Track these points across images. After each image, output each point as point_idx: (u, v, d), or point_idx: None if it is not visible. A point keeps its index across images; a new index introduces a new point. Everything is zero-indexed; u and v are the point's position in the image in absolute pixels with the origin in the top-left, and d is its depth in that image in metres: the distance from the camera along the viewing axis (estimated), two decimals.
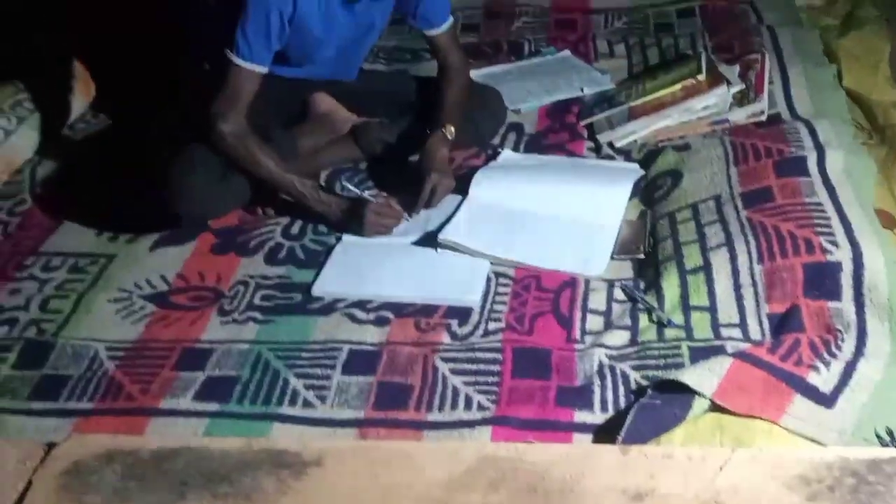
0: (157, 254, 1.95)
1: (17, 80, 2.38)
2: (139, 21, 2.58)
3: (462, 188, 2.03)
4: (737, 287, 1.65)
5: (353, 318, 1.73)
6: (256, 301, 1.80)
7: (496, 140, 2.28)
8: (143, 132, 2.27)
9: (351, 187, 1.98)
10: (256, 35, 1.87)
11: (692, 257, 1.74)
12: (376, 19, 2.11)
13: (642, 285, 1.75)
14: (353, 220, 1.94)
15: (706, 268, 1.70)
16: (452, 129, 2.08)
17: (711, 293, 1.65)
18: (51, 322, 1.77)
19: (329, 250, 1.93)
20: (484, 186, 2.02)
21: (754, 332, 1.57)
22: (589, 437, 1.43)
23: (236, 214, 2.05)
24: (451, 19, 2.17)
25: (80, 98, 2.49)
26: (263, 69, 1.92)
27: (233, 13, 1.88)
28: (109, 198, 2.11)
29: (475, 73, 2.45)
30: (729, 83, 2.20)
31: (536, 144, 2.27)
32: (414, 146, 2.11)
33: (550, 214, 1.93)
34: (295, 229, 2.01)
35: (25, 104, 2.32)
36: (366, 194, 1.96)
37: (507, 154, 2.21)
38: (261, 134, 1.98)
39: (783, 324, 1.56)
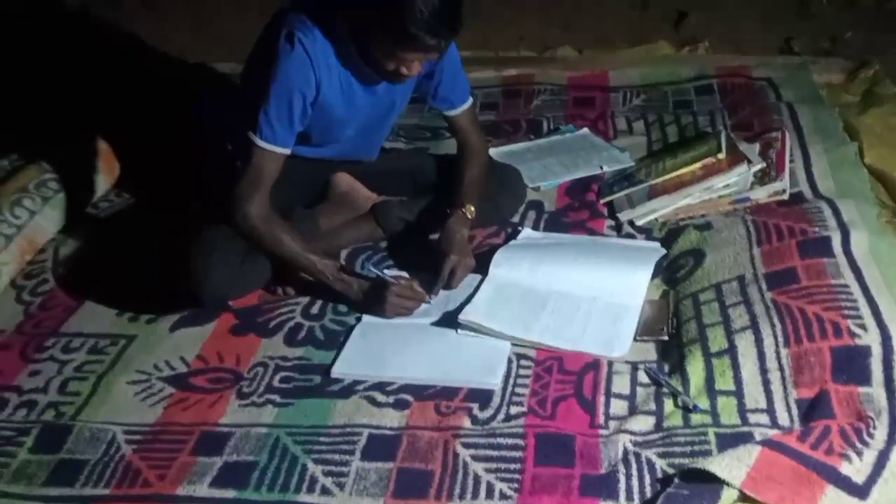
0: (177, 335, 1.95)
1: (42, 161, 2.41)
2: (164, 100, 2.64)
3: (482, 267, 2.02)
4: (763, 371, 1.62)
5: (373, 401, 1.71)
6: (275, 383, 1.79)
7: (516, 218, 2.29)
8: (166, 212, 2.30)
9: (371, 268, 1.98)
10: (279, 118, 1.90)
11: (717, 340, 1.71)
12: (397, 100, 2.14)
13: (666, 368, 1.72)
14: (374, 301, 1.93)
15: (731, 351, 1.67)
16: (472, 208, 2.09)
17: (737, 377, 1.62)
18: (69, 405, 1.76)
19: (349, 331, 1.92)
20: (504, 266, 2.01)
21: (782, 419, 1.53)
22: None
23: (256, 294, 2.05)
24: (470, 100, 2.19)
25: (105, 177, 2.51)
26: (286, 151, 1.94)
27: (256, 95, 1.91)
28: (131, 277, 2.12)
29: (494, 151, 2.47)
30: (749, 162, 2.20)
31: (556, 222, 2.27)
32: (434, 225, 2.12)
33: (572, 294, 1.92)
34: (315, 309, 2.01)
35: (50, 184, 2.34)
36: (386, 275, 1.96)
37: (526, 232, 2.21)
38: (282, 213, 2.00)
39: (812, 410, 1.52)
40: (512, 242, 2.16)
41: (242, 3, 3.76)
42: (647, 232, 2.17)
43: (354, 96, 2.00)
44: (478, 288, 1.97)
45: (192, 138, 2.40)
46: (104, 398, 1.77)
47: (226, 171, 2.05)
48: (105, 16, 3.65)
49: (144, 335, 1.95)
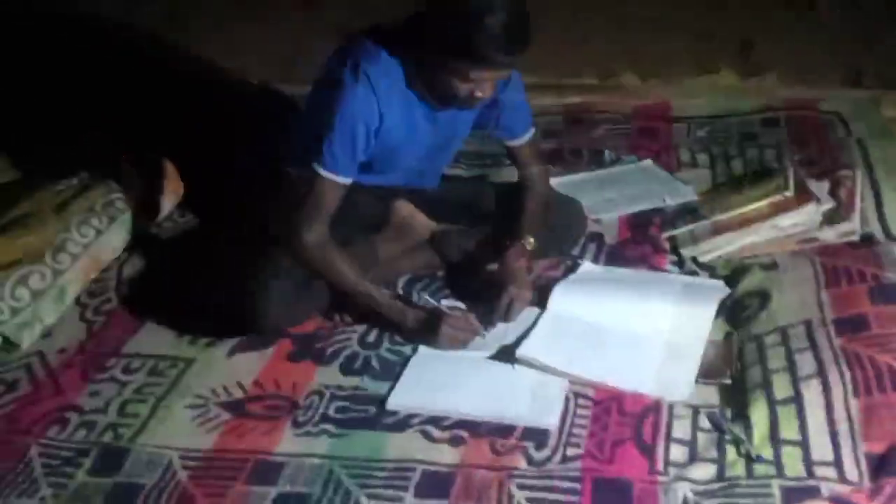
0: (235, 359, 1.96)
1: (110, 180, 2.45)
2: (233, 125, 2.67)
3: (541, 300, 2.00)
4: (831, 422, 1.57)
5: (428, 436, 1.70)
6: (331, 413, 1.79)
7: (576, 250, 2.26)
8: (228, 235, 2.33)
9: (428, 298, 1.97)
10: (342, 148, 1.90)
11: (782, 387, 1.66)
12: (459, 129, 2.13)
13: (729, 414, 1.68)
14: (429, 331, 1.92)
15: (797, 399, 1.62)
16: (531, 240, 2.07)
17: (803, 427, 1.58)
18: (128, 427, 1.78)
19: (405, 361, 1.91)
20: (563, 300, 1.99)
21: (851, 473, 1.48)
22: None
23: (314, 321, 2.06)
24: (532, 130, 2.18)
25: (170, 197, 2.55)
26: (348, 181, 1.95)
27: (320, 124, 1.92)
28: (191, 299, 2.14)
29: (555, 181, 2.44)
30: (818, 200, 2.14)
31: (617, 256, 2.24)
32: (493, 255, 2.10)
33: (632, 332, 1.88)
34: (371, 338, 2.01)
35: (117, 203, 2.38)
36: (442, 306, 1.95)
37: (587, 266, 2.18)
38: (341, 240, 2.01)
39: (882, 465, 1.47)
40: (572, 276, 2.13)
41: (309, 27, 3.82)
42: (710, 269, 2.13)
43: (417, 126, 2.00)
44: (536, 322, 1.95)
45: (255, 162, 2.42)
46: (162, 421, 1.79)
47: (287, 197, 2.07)
48: (175, 37, 3.73)
49: (203, 358, 1.97)
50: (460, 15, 1.70)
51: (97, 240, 2.28)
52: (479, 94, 1.84)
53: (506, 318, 1.96)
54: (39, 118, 2.98)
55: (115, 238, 2.35)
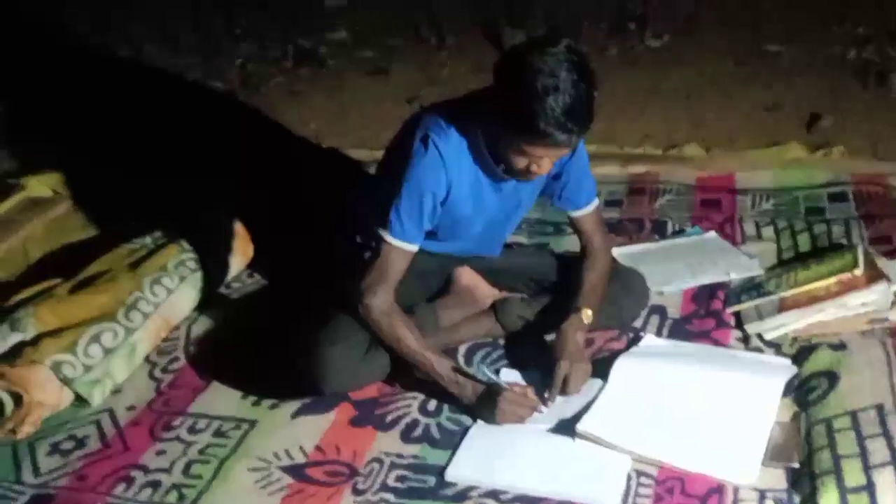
0: (298, 422, 1.98)
1: (182, 240, 2.52)
2: (303, 189, 2.75)
3: (602, 373, 1.99)
4: None
5: None
6: (390, 481, 1.79)
7: (638, 323, 2.25)
8: (295, 297, 2.37)
9: (487, 372, 1.97)
10: (410, 216, 1.94)
11: (853, 474, 1.62)
12: (523, 199, 2.16)
13: (797, 499, 1.64)
14: (486, 406, 1.92)
15: (869, 488, 1.58)
16: (590, 313, 2.07)
17: None
18: (191, 488, 1.81)
19: (465, 431, 1.91)
20: (626, 374, 1.98)
21: None
22: None
23: (376, 386, 2.07)
24: (595, 201, 2.19)
25: (239, 258, 2.61)
26: (414, 248, 1.98)
27: (389, 192, 1.96)
28: (256, 360, 2.18)
29: (617, 252, 2.45)
30: (889, 280, 2.10)
31: (680, 330, 2.22)
32: (554, 325, 2.10)
33: (696, 410, 1.86)
34: (431, 406, 2.02)
35: (188, 263, 2.45)
36: (500, 380, 1.95)
37: (649, 339, 2.17)
38: (405, 306, 2.03)
39: None
40: (634, 349, 2.12)
41: (378, 96, 3.92)
42: (776, 347, 2.10)
43: (483, 195, 2.04)
44: (597, 395, 1.94)
45: (323, 227, 2.48)
46: (225, 484, 1.81)
47: (354, 261, 2.11)
48: (251, 101, 3.87)
49: (266, 420, 2.00)
50: (524, 92, 1.74)
51: (168, 299, 2.34)
52: (535, 168, 1.87)
53: (563, 391, 1.96)
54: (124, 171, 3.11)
55: (186, 298, 2.40)
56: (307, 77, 4.23)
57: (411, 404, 2.03)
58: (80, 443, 1.96)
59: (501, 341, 2.23)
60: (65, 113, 3.70)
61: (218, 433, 1.97)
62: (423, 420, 1.97)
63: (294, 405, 2.03)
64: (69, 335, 2.11)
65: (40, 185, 3.08)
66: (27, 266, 2.70)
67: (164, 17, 4.97)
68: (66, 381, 2.04)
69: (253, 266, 2.64)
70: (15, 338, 2.09)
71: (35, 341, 2.08)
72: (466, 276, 2.28)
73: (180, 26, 4.83)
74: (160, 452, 1.92)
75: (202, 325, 2.39)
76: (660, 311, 2.30)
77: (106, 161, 3.23)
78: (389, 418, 1.98)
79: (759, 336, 2.14)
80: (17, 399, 1.97)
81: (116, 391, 2.13)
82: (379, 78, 4.18)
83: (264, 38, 4.70)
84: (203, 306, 2.45)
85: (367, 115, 3.75)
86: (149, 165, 3.17)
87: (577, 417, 1.87)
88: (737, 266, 2.45)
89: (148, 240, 2.55)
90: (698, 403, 1.87)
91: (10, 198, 2.99)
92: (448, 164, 1.93)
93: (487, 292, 2.28)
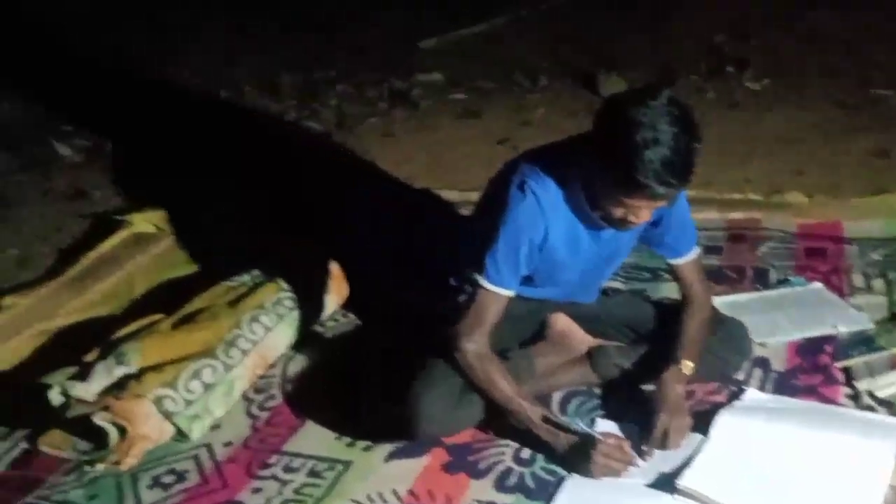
0: (392, 465, 1.98)
1: (279, 278, 2.57)
2: (397, 230, 2.77)
3: (702, 426, 1.93)
4: None
5: None
6: None
7: (740, 375, 2.18)
8: (388, 338, 2.38)
9: (581, 424, 1.93)
10: (506, 261, 1.93)
11: None
12: (621, 246, 2.13)
13: None
14: (580, 458, 1.88)
15: None
16: (690, 364, 2.01)
17: None
18: None
19: (560, 482, 1.88)
20: (728, 429, 1.91)
21: None
22: None
23: (470, 431, 2.05)
24: (696, 249, 2.15)
25: (334, 297, 2.64)
26: (510, 294, 1.97)
27: (485, 238, 1.96)
28: (351, 401, 2.19)
29: (717, 301, 2.38)
30: None
31: (785, 385, 2.14)
32: (651, 375, 2.06)
33: (802, 470, 1.78)
34: (526, 454, 1.98)
35: (286, 302, 2.49)
36: (596, 429, 1.91)
37: (752, 394, 2.10)
38: (499, 351, 2.02)
39: None
40: (736, 403, 2.05)
41: (470, 137, 3.95)
42: (889, 406, 2.00)
43: (580, 242, 2.02)
44: (698, 450, 1.88)
45: (419, 269, 2.49)
46: None
47: (448, 306, 2.11)
48: (345, 142, 3.95)
49: (361, 462, 2.00)
50: (624, 144, 1.72)
51: (265, 337, 2.38)
52: (633, 218, 1.84)
53: (663, 445, 1.90)
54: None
55: (282, 336, 2.44)
56: (400, 118, 4.29)
57: (505, 452, 2.00)
58: (180, 477, 2.00)
59: (597, 390, 2.19)
60: (170, 152, 3.84)
61: (313, 473, 1.97)
62: (518, 469, 1.94)
63: (387, 448, 2.02)
64: (171, 370, 2.16)
65: (145, 222, 3.18)
66: (131, 301, 2.78)
67: (264, 62, 5.13)
68: (168, 416, 2.08)
69: (347, 306, 2.67)
70: (120, 371, 2.15)
71: (139, 375, 2.13)
72: (561, 323, 2.25)
73: (279, 70, 4.98)
74: (256, 490, 1.94)
75: (298, 363, 2.42)
76: (763, 363, 2.22)
77: (206, 200, 3.33)
78: (483, 465, 1.96)
79: (871, 394, 2.04)
80: (122, 431, 2.02)
81: (215, 427, 2.16)
82: (470, 120, 4.22)
83: (360, 80, 4.80)
84: (299, 345, 2.48)
85: (458, 157, 3.77)
86: (244, 205, 3.26)
87: (677, 472, 1.82)
88: (845, 319, 2.35)
89: (247, 278, 2.60)
90: (805, 464, 1.79)
91: (116, 234, 3.11)
92: (545, 210, 1.93)
93: (583, 339, 2.25)
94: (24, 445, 2.11)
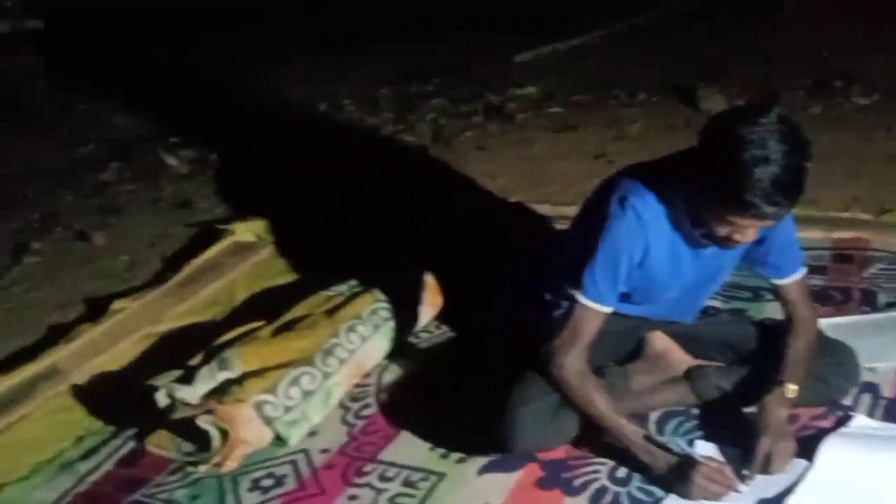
0: (485, 479, 1.98)
1: (376, 289, 2.61)
2: (490, 242, 2.78)
3: (806, 452, 1.87)
4: None
5: None
6: None
7: (847, 401, 2.10)
8: (482, 350, 2.39)
9: (680, 443, 1.89)
10: (605, 277, 1.92)
11: None
12: (724, 265, 2.09)
13: None
14: (679, 479, 1.84)
15: None
16: (795, 387, 1.95)
17: None
18: None
19: (656, 502, 1.85)
20: (834, 456, 1.85)
21: None
22: None
23: (565, 447, 2.03)
24: (802, 269, 2.09)
25: (428, 308, 2.67)
26: (608, 310, 1.95)
27: (584, 253, 1.94)
28: (445, 412, 2.20)
29: (823, 323, 2.29)
30: None
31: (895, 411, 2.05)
32: (752, 398, 2.00)
33: None
34: (621, 473, 1.95)
35: (381, 312, 2.52)
36: (695, 451, 1.86)
37: (860, 420, 2.02)
38: (595, 369, 2.00)
39: None
40: (843, 429, 1.98)
41: (567, 151, 3.94)
42: None
43: (681, 260, 1.98)
44: (802, 477, 1.82)
45: (514, 282, 2.49)
46: None
47: (544, 320, 2.10)
48: (441, 155, 3.98)
49: (454, 474, 2.00)
50: (732, 162, 1.69)
51: (362, 346, 2.41)
52: (738, 237, 1.80)
53: (765, 470, 1.85)
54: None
55: (378, 345, 2.47)
56: (496, 132, 4.31)
57: (600, 470, 1.98)
58: (279, 481, 2.04)
59: (695, 411, 2.14)
60: (271, 164, 3.95)
61: (407, 483, 1.99)
62: (613, 488, 1.92)
63: (481, 461, 2.02)
64: (271, 376, 2.21)
65: (246, 231, 3.28)
66: (232, 307, 2.87)
67: (363, 76, 5.23)
68: (268, 421, 2.13)
69: (441, 317, 2.68)
70: (222, 375, 2.21)
71: (240, 380, 2.19)
72: (660, 341, 2.22)
73: (377, 84, 5.07)
74: (352, 497, 1.96)
75: (392, 373, 2.45)
76: (872, 389, 2.14)
77: (305, 211, 3.41)
78: (577, 483, 1.94)
79: None
80: (224, 434, 2.08)
81: (312, 433, 2.20)
82: (566, 134, 4.20)
83: (456, 94, 4.84)
84: (393, 355, 2.50)
85: (554, 171, 3.76)
86: (341, 216, 3.32)
87: (779, 499, 1.77)
88: None
89: (344, 287, 2.64)
90: None
91: (218, 243, 3.21)
92: (646, 226, 1.90)
93: (681, 359, 2.20)
94: (131, 445, 2.20)
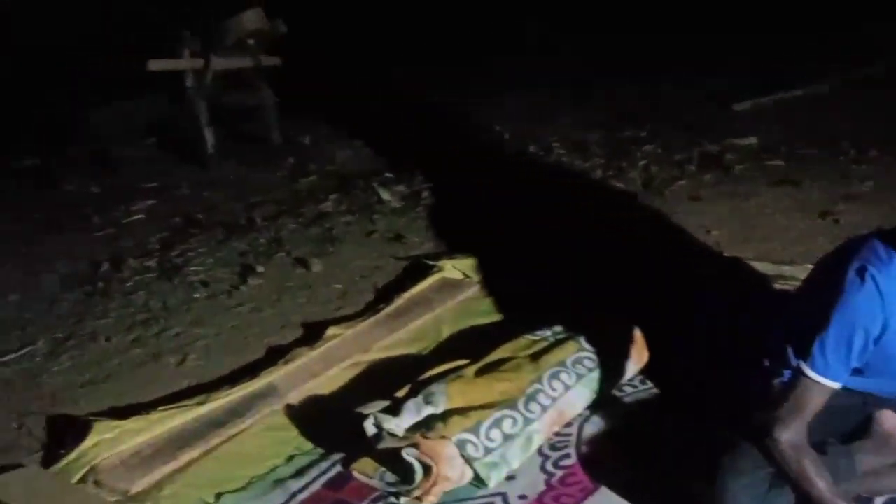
0: None
1: (580, 337, 2.58)
2: (706, 300, 2.68)
3: None
4: None
5: None
6: None
7: None
8: (689, 412, 2.30)
9: None
10: (836, 352, 1.80)
11: None
12: None
13: None
14: None
15: None
16: None
17: None
18: None
19: None
20: None
21: None
22: None
23: None
24: None
25: (634, 362, 2.60)
26: (836, 386, 1.83)
27: (814, 322, 1.83)
28: (647, 471, 2.14)
29: None
30: None
31: None
32: None
33: None
34: None
35: (586, 362, 2.49)
36: None
37: None
38: (815, 444, 1.87)
39: None
40: None
41: (785, 208, 3.75)
42: None
43: None
44: None
45: (726, 342, 2.39)
46: None
47: (761, 388, 2.00)
48: (652, 203, 3.91)
49: None
50: None
51: (565, 395, 2.39)
52: None
53: None
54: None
55: (580, 395, 2.43)
56: (711, 183, 4.16)
57: None
58: None
59: None
60: (479, 203, 4.02)
61: None
62: None
63: None
64: (474, 416, 2.24)
65: (454, 269, 3.35)
66: (438, 343, 2.93)
67: (575, 119, 5.25)
68: (469, 460, 2.16)
69: (647, 372, 2.62)
70: (427, 410, 2.26)
71: (445, 417, 2.23)
72: (891, 421, 2.05)
73: (587, 128, 5.05)
74: None
75: (594, 425, 2.41)
76: None
77: (511, 252, 3.44)
78: None
79: None
80: (426, 469, 2.12)
81: (510, 477, 2.20)
82: (788, 188, 3.99)
83: (669, 140, 4.74)
84: (595, 406, 2.46)
85: (773, 227, 3.59)
86: (548, 258, 3.32)
87: None
88: None
89: (548, 332, 2.64)
90: None
91: (427, 278, 3.29)
92: (886, 299, 1.78)
93: None
94: (338, 468, 2.28)
